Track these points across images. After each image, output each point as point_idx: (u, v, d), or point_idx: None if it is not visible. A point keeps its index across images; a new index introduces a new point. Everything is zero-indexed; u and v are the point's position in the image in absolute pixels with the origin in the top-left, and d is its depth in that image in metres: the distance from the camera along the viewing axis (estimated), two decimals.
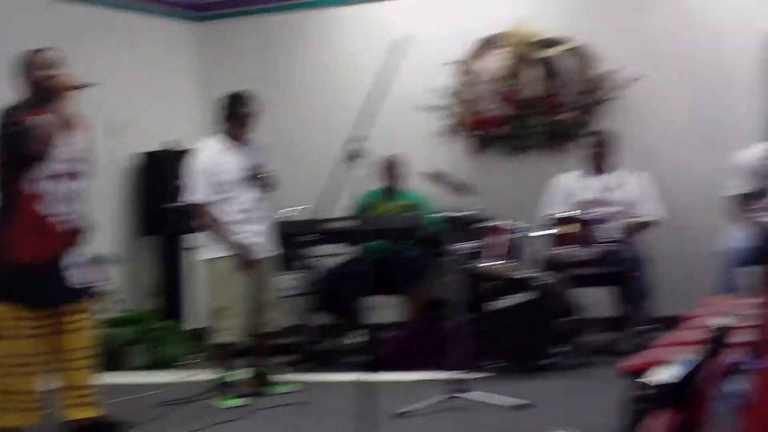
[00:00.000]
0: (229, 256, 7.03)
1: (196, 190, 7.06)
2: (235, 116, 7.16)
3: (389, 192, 8.64)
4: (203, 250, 7.24)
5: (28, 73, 5.85)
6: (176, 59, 9.96)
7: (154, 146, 9.27)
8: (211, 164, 7.05)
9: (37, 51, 5.88)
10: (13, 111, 5.78)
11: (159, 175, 9.14)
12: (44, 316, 5.92)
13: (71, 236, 5.95)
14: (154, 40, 9.63)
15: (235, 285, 7.04)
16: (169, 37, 10.01)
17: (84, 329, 6.14)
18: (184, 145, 9.19)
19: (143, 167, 9.34)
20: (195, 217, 7.18)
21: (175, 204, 8.91)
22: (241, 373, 7.20)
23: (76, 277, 6.00)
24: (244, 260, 7.03)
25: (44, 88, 5.79)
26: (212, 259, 7.12)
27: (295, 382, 7.43)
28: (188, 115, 9.85)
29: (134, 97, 8.95)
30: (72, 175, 5.89)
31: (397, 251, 8.45)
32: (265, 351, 7.39)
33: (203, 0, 10.33)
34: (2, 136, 5.74)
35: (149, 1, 9.80)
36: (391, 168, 8.62)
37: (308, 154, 9.82)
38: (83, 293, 6.10)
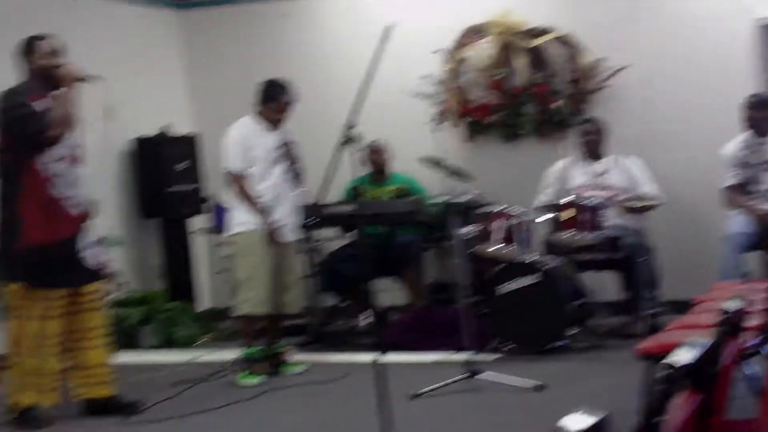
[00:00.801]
0: (255, 229, 7.20)
1: (230, 159, 7.24)
2: (272, 101, 7.33)
3: (377, 177, 8.76)
4: (230, 224, 7.41)
5: (32, 58, 5.91)
6: (163, 47, 10.01)
7: (146, 131, 9.34)
8: (245, 139, 7.24)
9: (41, 37, 5.95)
10: (16, 95, 5.85)
11: (156, 159, 9.25)
12: (60, 296, 6.02)
13: (82, 219, 6.07)
14: (141, 29, 9.69)
15: (260, 257, 7.20)
16: (155, 24, 10.05)
17: (99, 309, 6.29)
18: (178, 131, 9.37)
19: (139, 152, 9.41)
20: (229, 186, 7.35)
21: (175, 188, 9.09)
22: (259, 351, 7.31)
23: (90, 258, 6.14)
24: (270, 234, 7.18)
25: (49, 76, 5.87)
26: (239, 232, 7.29)
27: (307, 363, 7.56)
28: (177, 101, 9.98)
29: (123, 84, 8.90)
30: (74, 160, 6.00)
31: (394, 235, 8.59)
32: (278, 331, 7.54)
33: None
34: (11, 119, 5.81)
35: None
36: (377, 153, 8.73)
37: (299, 140, 9.86)
38: (98, 274, 6.25)
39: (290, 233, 7.39)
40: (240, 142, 7.24)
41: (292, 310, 7.56)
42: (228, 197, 7.47)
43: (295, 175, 7.41)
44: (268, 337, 7.47)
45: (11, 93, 5.85)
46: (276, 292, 7.31)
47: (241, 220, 7.28)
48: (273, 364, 7.40)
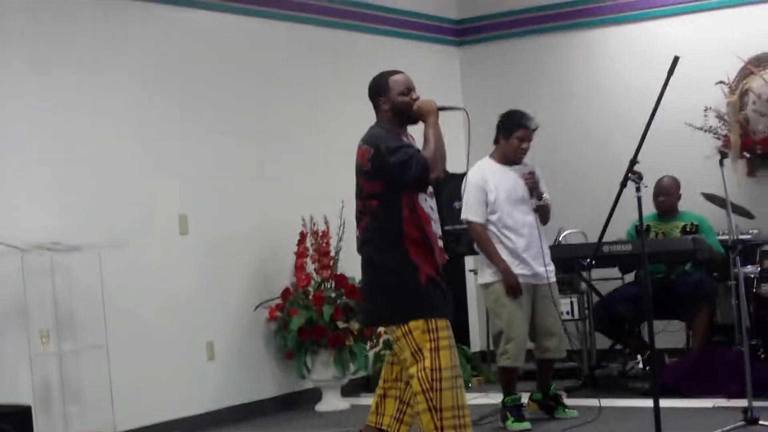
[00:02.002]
0: (500, 280, 7.01)
1: (468, 209, 7.04)
2: (512, 130, 7.07)
3: (665, 214, 8.40)
4: (480, 274, 7.24)
5: (389, 96, 5.71)
6: (442, 82, 10.07)
7: None
8: (483, 184, 7.00)
9: (393, 72, 5.77)
10: (389, 139, 5.63)
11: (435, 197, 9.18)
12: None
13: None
14: (422, 64, 9.76)
15: (509, 309, 7.00)
16: (435, 61, 10.16)
17: None
18: (455, 168, 9.29)
19: None
20: (471, 236, 7.17)
21: (453, 226, 9.00)
22: (522, 397, 7.14)
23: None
24: (509, 285, 6.97)
25: (406, 112, 5.71)
26: (487, 283, 7.11)
27: (578, 408, 7.33)
28: (455, 138, 9.94)
29: None
30: (431, 194, 5.92)
31: (678, 274, 8.22)
32: (547, 375, 7.33)
33: (463, 25, 10.49)
34: (399, 163, 5.52)
35: (416, 28, 10.00)
36: (666, 189, 8.38)
37: (581, 175, 9.75)
38: None
39: (541, 276, 7.08)
40: (475, 190, 6.96)
41: (557, 355, 7.28)
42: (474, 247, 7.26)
43: (543, 212, 7.16)
44: (539, 380, 7.28)
45: (384, 137, 5.63)
46: (539, 336, 7.11)
47: (490, 269, 7.05)
48: (547, 407, 7.21)
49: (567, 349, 9.18)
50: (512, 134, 7.05)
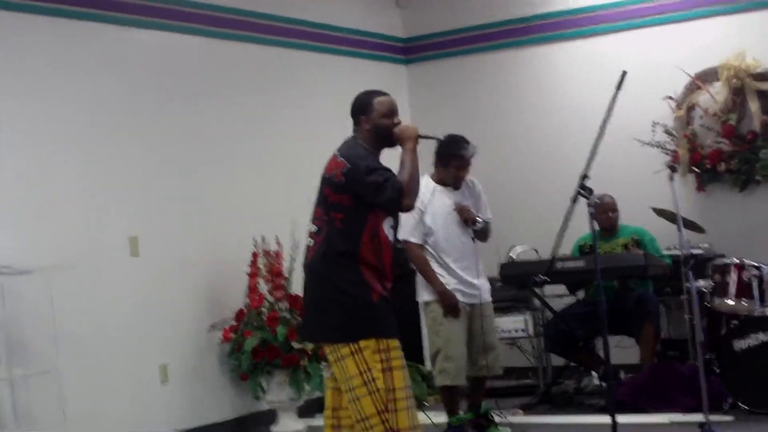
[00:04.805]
0: (438, 300, 7.00)
1: (405, 230, 6.94)
2: (448, 159, 7.06)
3: (607, 232, 8.36)
4: (419, 292, 7.21)
5: (370, 116, 5.62)
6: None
7: None
8: (422, 206, 6.90)
9: (379, 93, 5.69)
10: (370, 156, 5.55)
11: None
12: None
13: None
14: (370, 82, 9.72)
15: (446, 329, 6.98)
16: (383, 78, 10.13)
17: None
18: None
19: None
20: (408, 257, 7.14)
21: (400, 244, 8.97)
22: (464, 416, 7.10)
23: None
24: (448, 306, 6.96)
25: (386, 135, 5.63)
26: (426, 301, 7.10)
27: (533, 425, 7.31)
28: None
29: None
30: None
31: (627, 290, 8.26)
32: (480, 394, 7.26)
33: (411, 43, 10.51)
34: (375, 185, 5.43)
35: (364, 46, 10.01)
36: (605, 212, 8.33)
37: (530, 191, 9.80)
38: None
39: (477, 296, 7.07)
40: (417, 210, 6.78)
41: (494, 372, 7.22)
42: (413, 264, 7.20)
43: (483, 234, 7.15)
44: (471, 399, 7.22)
45: (363, 155, 5.53)
46: (474, 355, 7.06)
47: (429, 289, 7.04)
48: (478, 426, 7.14)
49: (523, 366, 9.24)
50: (449, 163, 7.06)
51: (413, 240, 6.99)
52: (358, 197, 5.51)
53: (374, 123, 5.63)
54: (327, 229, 5.60)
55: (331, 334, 5.62)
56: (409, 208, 5.55)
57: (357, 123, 5.71)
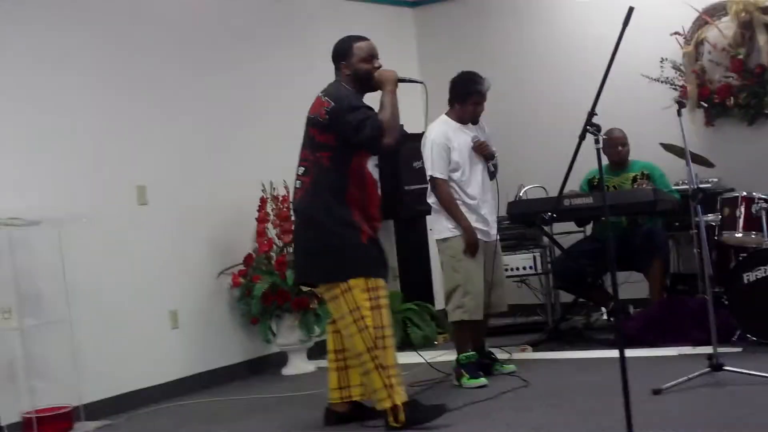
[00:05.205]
0: (459, 235, 6.99)
1: (434, 166, 6.99)
2: (466, 96, 7.06)
3: (616, 167, 8.41)
4: (437, 229, 7.18)
5: (350, 61, 5.75)
6: (397, 44, 10.03)
7: None
8: (447, 142, 6.98)
9: (359, 38, 5.80)
10: (355, 96, 5.68)
11: (392, 157, 9.11)
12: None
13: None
14: (376, 26, 9.71)
15: (465, 265, 6.98)
16: (389, 22, 10.14)
17: None
18: (413, 129, 9.28)
19: None
20: (434, 192, 7.13)
21: (411, 186, 8.96)
22: (471, 354, 7.09)
23: None
24: (470, 243, 6.96)
25: (366, 79, 5.74)
26: (445, 238, 7.08)
27: (542, 361, 7.32)
28: (412, 101, 9.95)
29: None
30: (376, 165, 5.91)
31: (636, 225, 8.25)
32: (483, 333, 7.26)
33: None
34: (356, 122, 5.58)
35: None
36: (620, 140, 8.38)
37: (538, 129, 9.81)
38: None
39: (491, 233, 7.11)
40: (437, 148, 6.95)
41: (500, 309, 7.26)
42: (433, 201, 7.17)
43: (493, 171, 7.16)
44: (474, 339, 7.16)
45: (347, 95, 5.68)
46: (484, 292, 7.07)
47: (449, 225, 7.02)
48: (483, 366, 7.12)
49: (532, 303, 9.28)
50: (467, 100, 7.05)
51: (440, 176, 7.00)
52: (342, 137, 5.57)
53: (354, 68, 5.72)
54: (314, 169, 5.68)
55: (323, 274, 5.78)
56: (389, 147, 5.63)
57: (338, 68, 5.81)
